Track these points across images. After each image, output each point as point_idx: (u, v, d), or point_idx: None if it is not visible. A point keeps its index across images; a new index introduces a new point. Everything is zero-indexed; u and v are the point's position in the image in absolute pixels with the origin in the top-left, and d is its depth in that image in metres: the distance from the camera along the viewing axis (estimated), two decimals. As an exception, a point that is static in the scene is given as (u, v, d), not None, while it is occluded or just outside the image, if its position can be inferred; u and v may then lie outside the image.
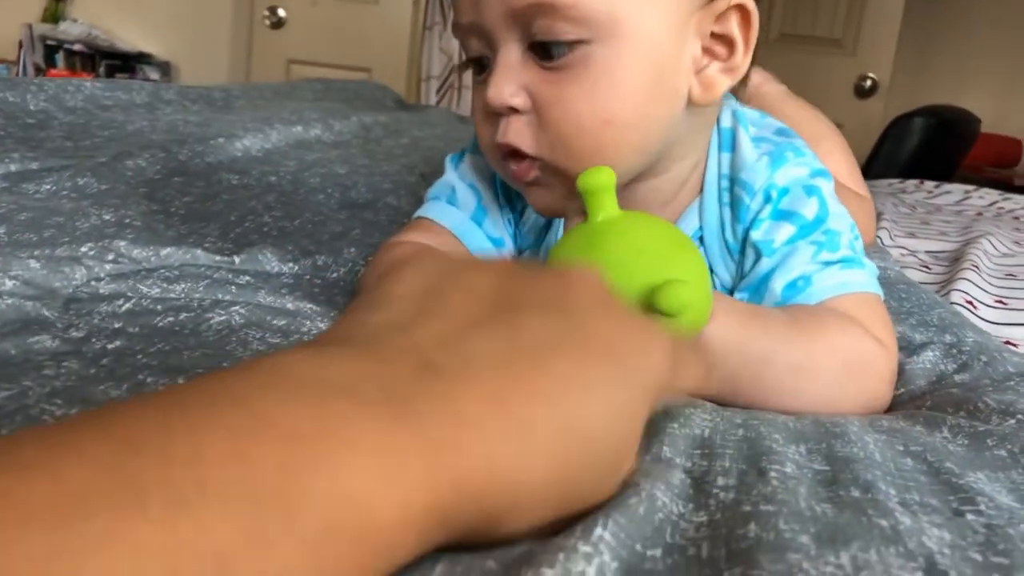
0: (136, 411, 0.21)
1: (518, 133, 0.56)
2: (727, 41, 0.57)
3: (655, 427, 0.44)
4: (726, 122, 0.64)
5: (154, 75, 3.83)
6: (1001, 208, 1.88)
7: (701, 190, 0.64)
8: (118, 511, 0.18)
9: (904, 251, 1.16)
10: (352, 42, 3.65)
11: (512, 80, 0.55)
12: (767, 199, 0.60)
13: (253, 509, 0.20)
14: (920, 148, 2.78)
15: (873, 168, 2.81)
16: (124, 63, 3.79)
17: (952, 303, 0.86)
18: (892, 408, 0.57)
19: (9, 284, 0.51)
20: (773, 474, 0.39)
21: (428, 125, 1.72)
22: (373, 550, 0.22)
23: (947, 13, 4.08)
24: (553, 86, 0.54)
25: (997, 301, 0.91)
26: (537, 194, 0.60)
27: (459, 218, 0.69)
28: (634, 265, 0.49)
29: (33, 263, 0.54)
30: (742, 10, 0.56)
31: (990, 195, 2.06)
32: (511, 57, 0.55)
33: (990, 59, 4.09)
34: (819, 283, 0.58)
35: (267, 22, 3.67)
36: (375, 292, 0.32)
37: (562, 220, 0.66)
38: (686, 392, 0.54)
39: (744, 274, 0.61)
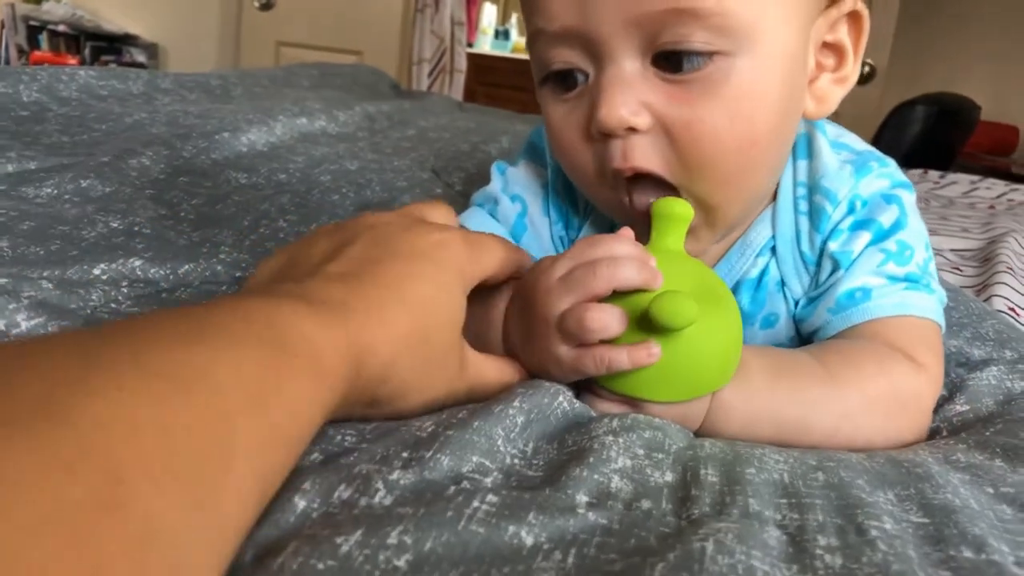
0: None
1: (646, 156, 0.49)
2: (836, 50, 0.54)
3: (733, 474, 0.41)
4: (800, 126, 0.59)
5: (141, 57, 3.76)
6: (1012, 200, 1.86)
7: (774, 197, 0.60)
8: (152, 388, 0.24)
9: (931, 251, 1.13)
10: (343, 24, 3.59)
11: (631, 96, 0.48)
12: (851, 210, 0.56)
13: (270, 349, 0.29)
14: (921, 136, 2.76)
15: (874, 156, 2.78)
16: (110, 45, 3.71)
17: (997, 311, 0.83)
18: (961, 428, 0.54)
19: (23, 316, 0.46)
20: (874, 532, 0.36)
21: (431, 114, 1.68)
22: (330, 383, 0.32)
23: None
24: (685, 104, 0.48)
25: (1037, 307, 0.88)
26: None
27: (499, 232, 0.65)
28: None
29: (46, 284, 0.50)
30: (854, 16, 0.53)
31: (997, 186, 2.05)
32: (626, 70, 0.48)
33: (987, 46, 4.07)
34: (878, 299, 0.54)
35: (256, 3, 3.60)
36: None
37: None
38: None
39: (819, 284, 0.58)
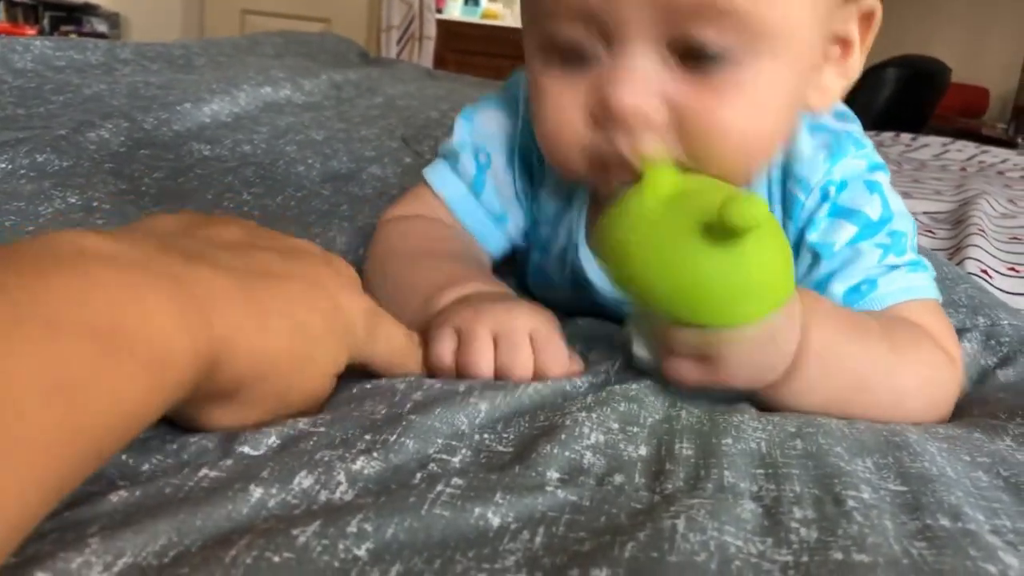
0: None
1: (654, 149, 0.47)
2: (843, 42, 0.52)
3: (709, 446, 0.40)
4: None
5: (102, 27, 3.68)
6: (982, 162, 1.87)
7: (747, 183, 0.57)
8: None
9: (904, 214, 1.14)
10: (310, -9, 3.53)
11: (649, 87, 0.46)
12: (824, 196, 0.55)
13: (95, 342, 0.26)
14: (893, 98, 2.76)
15: (846, 119, 2.78)
16: (69, 15, 3.63)
17: (969, 273, 0.83)
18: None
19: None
20: (851, 502, 0.35)
21: (400, 81, 1.65)
22: (174, 379, 0.29)
23: (916, -41, 4.05)
24: (706, 101, 0.46)
25: (1009, 268, 0.88)
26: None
27: (458, 190, 0.64)
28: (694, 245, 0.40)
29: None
30: (866, 12, 0.52)
31: (967, 148, 2.06)
32: (646, 57, 0.45)
33: (958, 8, 4.08)
34: (884, 287, 0.53)
35: (220, -30, 3.53)
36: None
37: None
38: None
39: (798, 278, 0.56)
